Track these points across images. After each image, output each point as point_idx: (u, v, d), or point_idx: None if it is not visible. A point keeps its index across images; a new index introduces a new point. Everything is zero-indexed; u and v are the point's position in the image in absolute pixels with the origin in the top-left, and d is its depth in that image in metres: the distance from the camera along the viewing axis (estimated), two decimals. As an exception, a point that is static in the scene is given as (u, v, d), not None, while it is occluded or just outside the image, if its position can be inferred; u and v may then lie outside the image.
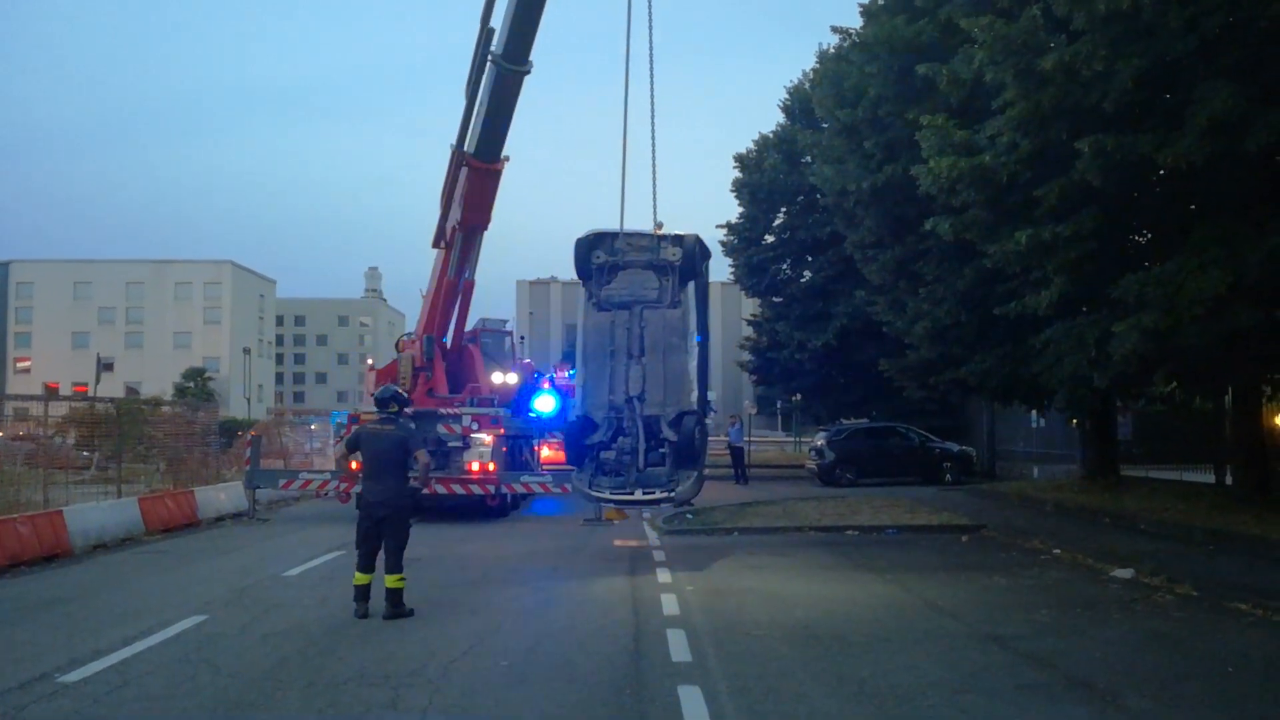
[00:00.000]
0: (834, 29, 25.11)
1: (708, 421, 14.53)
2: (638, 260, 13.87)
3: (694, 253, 13.87)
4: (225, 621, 9.24)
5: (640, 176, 17.22)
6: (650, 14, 14.03)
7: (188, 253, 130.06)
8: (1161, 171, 13.47)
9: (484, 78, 17.64)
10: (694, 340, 13.51)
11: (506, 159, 18.69)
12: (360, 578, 9.45)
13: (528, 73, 17.40)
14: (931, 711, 6.42)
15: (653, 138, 13.82)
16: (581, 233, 14.14)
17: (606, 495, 13.35)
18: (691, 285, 13.84)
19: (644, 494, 13.05)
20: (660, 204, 14.27)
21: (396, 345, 21.18)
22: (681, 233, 14.10)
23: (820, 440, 30.65)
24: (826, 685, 7.03)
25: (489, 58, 17.24)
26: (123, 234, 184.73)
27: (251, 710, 6.51)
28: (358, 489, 10.03)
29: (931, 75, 16.73)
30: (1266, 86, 11.81)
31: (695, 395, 13.35)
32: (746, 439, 32.39)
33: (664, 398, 13.27)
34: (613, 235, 13.96)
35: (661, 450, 13.24)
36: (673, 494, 13.03)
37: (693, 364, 13.45)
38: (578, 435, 13.41)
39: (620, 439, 13.27)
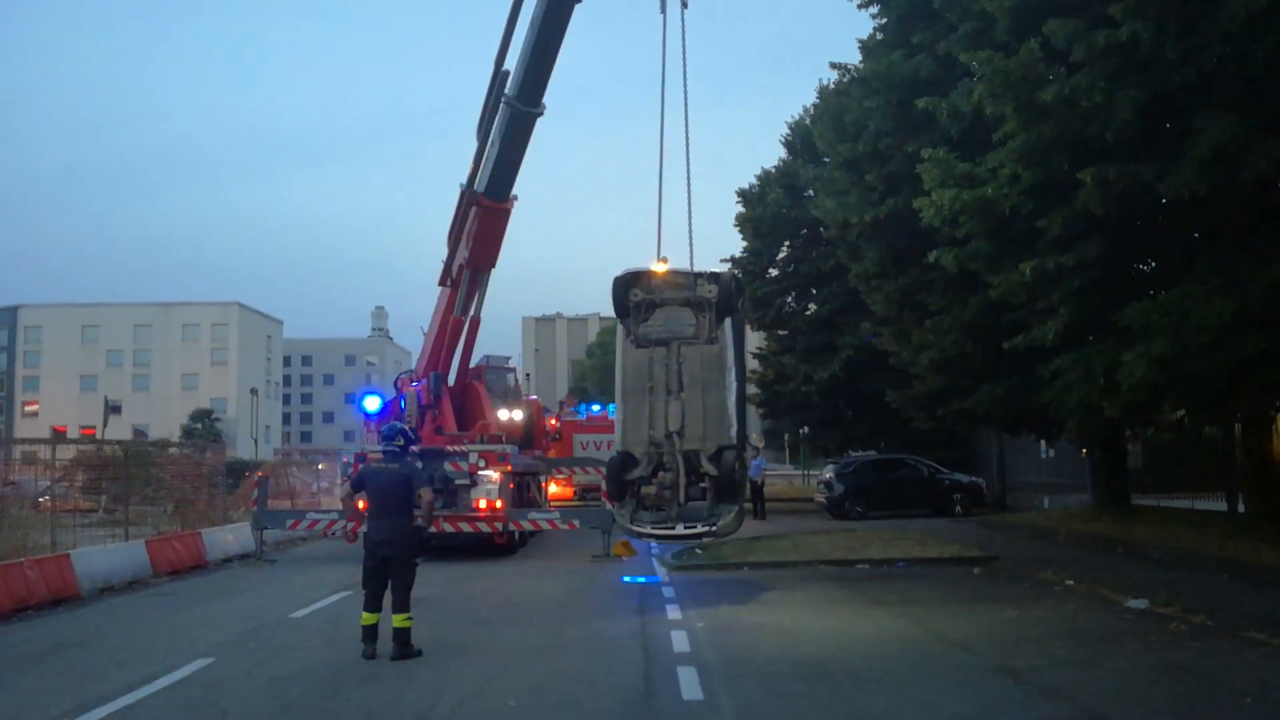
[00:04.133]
0: (833, 65, 25.32)
1: (747, 456, 14.59)
2: (675, 297, 14.07)
3: (730, 289, 14.10)
4: (232, 665, 9.19)
5: (652, 212, 17.48)
6: (684, 58, 14.26)
7: (195, 295, 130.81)
8: (1163, 201, 13.51)
9: (496, 119, 17.90)
10: (732, 375, 13.64)
11: (515, 198, 18.91)
12: (367, 618, 9.39)
13: (540, 114, 17.68)
14: (946, 748, 6.34)
15: (688, 181, 14.00)
16: (619, 271, 14.36)
17: (648, 530, 13.42)
18: (728, 321, 13.99)
19: (685, 529, 13.16)
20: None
21: (396, 383, 21.16)
22: (717, 270, 14.32)
23: (829, 473, 30.53)
24: (839, 722, 6.95)
25: (502, 100, 17.51)
26: (130, 277, 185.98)
27: (259, 754, 6.45)
28: (364, 529, 10.00)
29: (931, 109, 16.85)
30: (1264, 116, 11.87)
31: (734, 430, 13.45)
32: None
33: (703, 433, 13.38)
34: (649, 273, 14.16)
35: (702, 485, 13.37)
36: (714, 528, 13.13)
37: (731, 399, 13.57)
38: (618, 470, 13.52)
39: (660, 474, 13.39)
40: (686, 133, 14.14)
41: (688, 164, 14.09)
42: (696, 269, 14.21)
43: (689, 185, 14.02)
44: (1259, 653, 9.13)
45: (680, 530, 13.16)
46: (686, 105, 14.23)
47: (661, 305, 14.11)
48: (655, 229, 14.23)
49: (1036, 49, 13.21)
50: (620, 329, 14.42)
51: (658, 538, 13.97)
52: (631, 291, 14.16)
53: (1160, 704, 7.34)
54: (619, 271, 14.34)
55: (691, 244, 14.26)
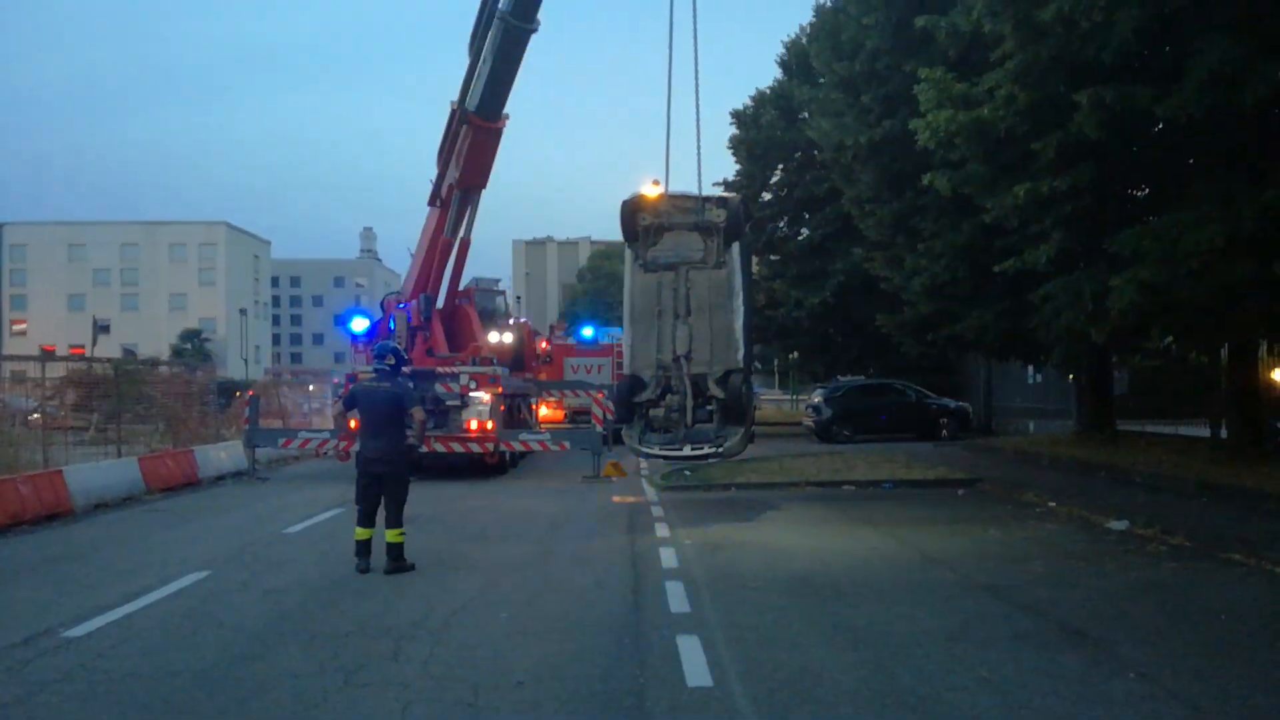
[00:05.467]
0: (832, -19, 24.82)
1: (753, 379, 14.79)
2: (683, 222, 14.09)
3: (738, 214, 14.13)
4: (227, 577, 9.33)
5: (649, 134, 17.37)
6: None
7: (182, 214, 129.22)
8: (1159, 125, 13.38)
9: (490, 35, 17.53)
10: (739, 300, 13.72)
11: (507, 117, 18.63)
12: (361, 533, 9.52)
13: (535, 31, 17.32)
14: (926, 660, 6.50)
15: (697, 106, 13.77)
16: (627, 195, 14.34)
17: (655, 451, 13.68)
18: (736, 246, 14.00)
19: (693, 450, 13.37)
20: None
21: (383, 305, 21.09)
22: (725, 194, 14.34)
23: (818, 397, 30.76)
24: (823, 635, 7.11)
25: (496, 14, 17.13)
26: (117, 196, 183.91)
27: (254, 663, 6.58)
28: (357, 447, 10.08)
29: (930, 27, 16.57)
30: (1265, 40, 11.69)
31: (741, 354, 13.58)
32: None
33: (710, 356, 13.56)
34: (657, 197, 14.13)
35: (709, 408, 13.60)
36: (720, 450, 13.37)
37: (739, 323, 13.68)
38: (626, 393, 13.69)
39: (668, 397, 13.64)
40: (696, 57, 13.88)
41: (697, 89, 13.85)
42: (704, 194, 14.20)
43: (698, 110, 13.82)
44: (1235, 572, 9.35)
45: (688, 451, 13.41)
46: (696, 32, 13.93)
47: (670, 230, 14.11)
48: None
49: (1038, -34, 12.93)
50: (629, 253, 14.45)
51: (665, 458, 14.24)
52: (639, 216, 14.11)
53: (1137, 620, 7.52)
54: (627, 195, 14.33)
55: (700, 169, 14.27)
